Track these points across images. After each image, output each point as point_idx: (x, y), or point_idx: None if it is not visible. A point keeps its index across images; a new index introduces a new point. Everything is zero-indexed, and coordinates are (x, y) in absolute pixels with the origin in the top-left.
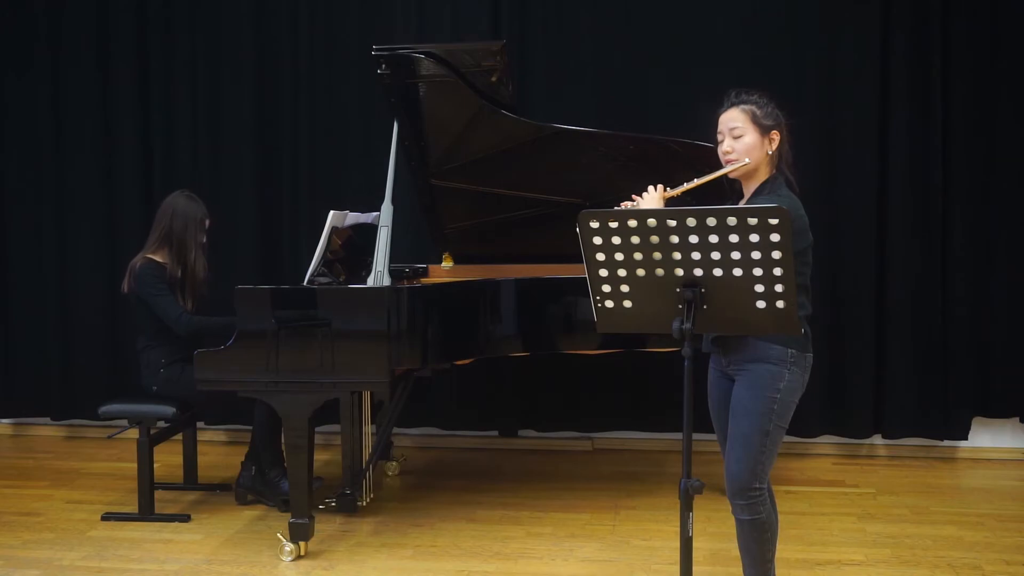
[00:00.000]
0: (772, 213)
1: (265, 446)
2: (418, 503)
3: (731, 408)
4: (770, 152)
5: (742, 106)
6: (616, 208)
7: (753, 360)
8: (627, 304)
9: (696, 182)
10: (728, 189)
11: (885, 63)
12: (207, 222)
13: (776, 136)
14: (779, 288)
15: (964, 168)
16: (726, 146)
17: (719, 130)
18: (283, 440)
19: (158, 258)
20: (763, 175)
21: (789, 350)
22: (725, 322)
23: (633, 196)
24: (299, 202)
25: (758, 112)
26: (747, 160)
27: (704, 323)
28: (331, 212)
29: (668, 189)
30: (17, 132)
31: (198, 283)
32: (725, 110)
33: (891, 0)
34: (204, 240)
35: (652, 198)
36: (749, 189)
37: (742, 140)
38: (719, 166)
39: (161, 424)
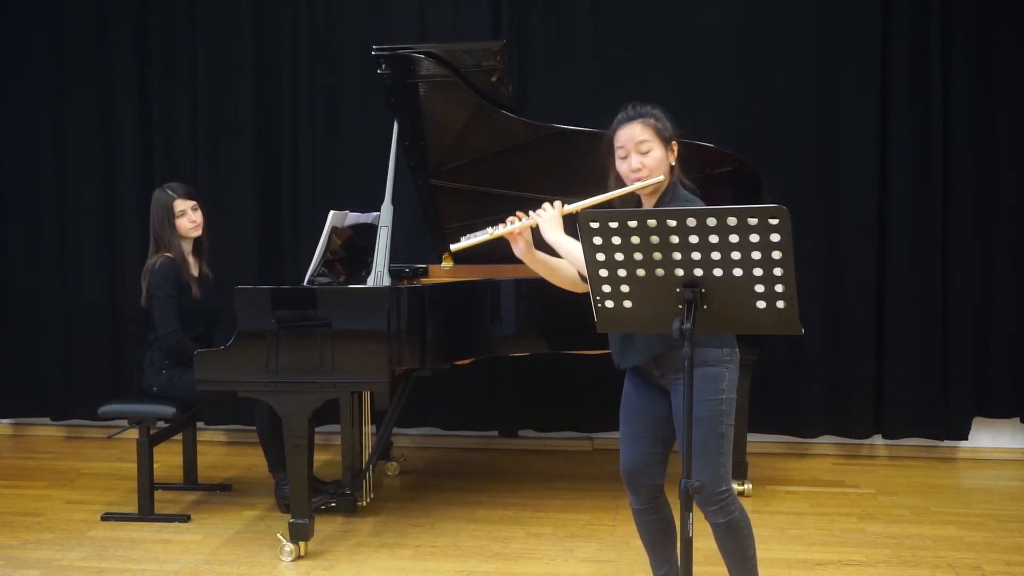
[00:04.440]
0: (772, 213)
1: (267, 449)
2: (418, 503)
3: (676, 418)
4: (673, 164)
5: (644, 120)
6: (481, 231)
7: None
8: (627, 304)
9: (601, 198)
10: (620, 204)
11: (885, 63)
12: (177, 203)
13: (675, 146)
14: (779, 288)
15: (964, 168)
16: (635, 163)
17: (619, 145)
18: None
19: (170, 255)
20: (664, 185)
21: (724, 349)
22: (725, 322)
23: (518, 214)
24: (299, 202)
25: (660, 125)
26: (661, 176)
27: (704, 323)
28: (331, 212)
29: (567, 205)
30: (16, 132)
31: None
32: (625, 125)
33: (891, 0)
34: (195, 217)
35: (551, 215)
36: (650, 201)
37: (651, 155)
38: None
39: (161, 424)
